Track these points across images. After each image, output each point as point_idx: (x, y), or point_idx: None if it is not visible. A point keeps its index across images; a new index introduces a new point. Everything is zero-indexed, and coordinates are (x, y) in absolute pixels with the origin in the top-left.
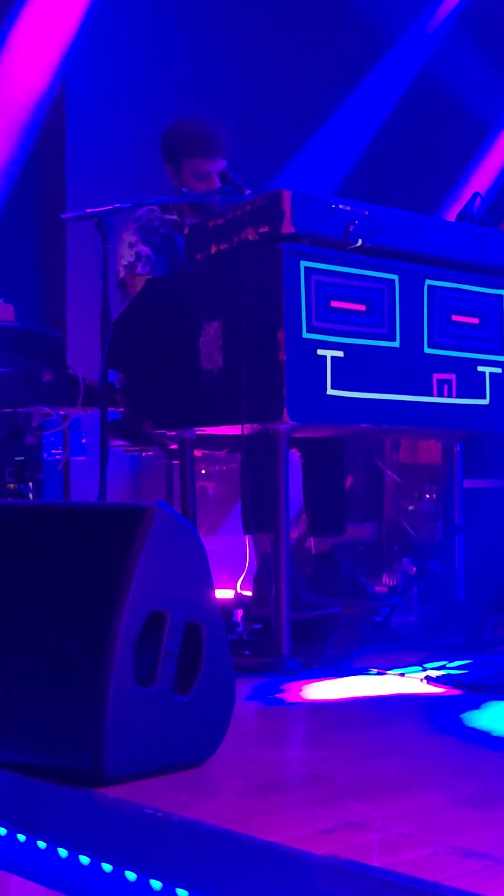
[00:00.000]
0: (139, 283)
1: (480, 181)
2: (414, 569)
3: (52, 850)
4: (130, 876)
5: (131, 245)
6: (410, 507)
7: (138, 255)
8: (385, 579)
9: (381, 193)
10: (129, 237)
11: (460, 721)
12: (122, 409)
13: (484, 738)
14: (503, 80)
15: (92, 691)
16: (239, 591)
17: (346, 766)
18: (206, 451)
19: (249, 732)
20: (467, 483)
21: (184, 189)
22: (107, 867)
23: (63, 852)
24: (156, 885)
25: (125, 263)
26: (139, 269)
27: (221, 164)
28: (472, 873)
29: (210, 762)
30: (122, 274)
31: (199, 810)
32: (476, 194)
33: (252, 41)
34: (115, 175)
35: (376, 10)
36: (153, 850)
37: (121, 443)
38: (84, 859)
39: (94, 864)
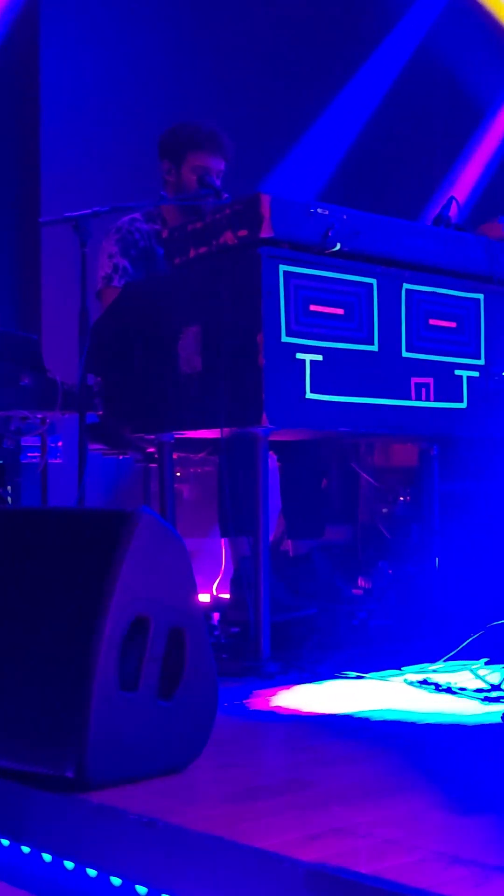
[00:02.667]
0: (114, 296)
1: (462, 186)
2: (390, 571)
3: (36, 855)
4: (115, 881)
5: (110, 256)
6: (384, 510)
7: (115, 267)
8: (361, 582)
9: (364, 197)
10: (108, 247)
11: (441, 724)
12: (100, 413)
13: (466, 742)
14: (486, 88)
15: (76, 696)
16: (215, 594)
17: (328, 770)
18: (182, 454)
19: (231, 737)
20: (443, 486)
21: (162, 192)
22: (91, 872)
23: (47, 857)
24: (141, 890)
25: (102, 275)
26: (115, 282)
27: (222, 165)
28: (460, 880)
29: (192, 767)
30: (99, 285)
31: (184, 816)
32: (452, 199)
33: (236, 42)
34: (90, 178)
35: (361, 10)
36: (138, 856)
37: (98, 446)
38: (69, 864)
39: (79, 870)
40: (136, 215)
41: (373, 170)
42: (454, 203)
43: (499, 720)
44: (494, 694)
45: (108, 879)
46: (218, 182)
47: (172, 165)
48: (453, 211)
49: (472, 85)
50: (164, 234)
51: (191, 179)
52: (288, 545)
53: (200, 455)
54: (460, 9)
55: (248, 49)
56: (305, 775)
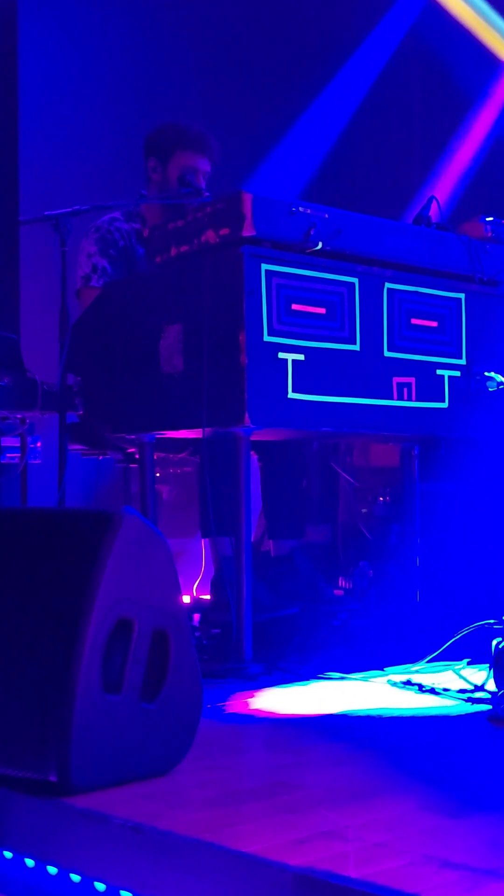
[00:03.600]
0: (93, 296)
1: (444, 185)
2: (371, 572)
3: (18, 860)
4: (99, 887)
5: (89, 256)
6: (364, 510)
7: (94, 267)
8: (341, 582)
9: (346, 197)
10: (87, 247)
11: (426, 726)
12: (80, 413)
13: (452, 743)
14: (468, 88)
15: (58, 700)
16: (196, 595)
17: (314, 773)
18: (162, 455)
19: (215, 739)
20: (424, 486)
21: (143, 191)
22: (75, 878)
23: (30, 863)
24: None
25: (81, 275)
26: (94, 282)
27: (208, 167)
28: (450, 884)
29: (177, 770)
30: (78, 284)
31: (169, 820)
32: (432, 198)
33: (217, 40)
34: (70, 176)
35: (342, 10)
36: (123, 861)
37: (78, 447)
38: (52, 870)
39: (62, 875)
40: (116, 214)
41: (355, 170)
42: (434, 202)
43: (484, 720)
44: (478, 694)
45: (93, 885)
46: (203, 184)
47: (159, 163)
48: (433, 210)
49: (453, 85)
50: (145, 234)
51: (176, 178)
52: (269, 545)
53: (181, 455)
54: (438, 12)
55: (230, 47)
56: (292, 778)
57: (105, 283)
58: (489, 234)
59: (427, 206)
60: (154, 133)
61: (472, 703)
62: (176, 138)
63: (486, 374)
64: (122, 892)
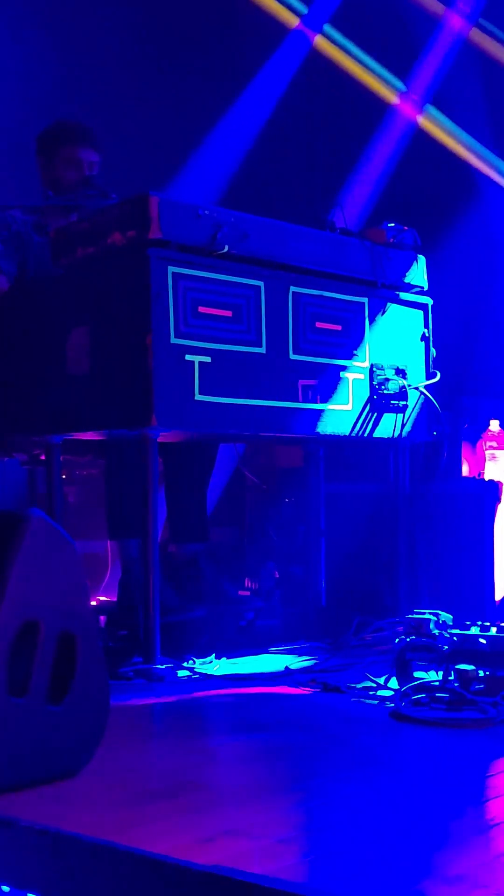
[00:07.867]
0: None
1: (357, 195)
2: (277, 573)
3: None
4: (5, 889)
5: None
6: (271, 511)
7: None
8: (248, 583)
9: (259, 206)
10: None
11: (329, 723)
12: None
13: (356, 740)
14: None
15: None
16: (100, 598)
17: (221, 771)
18: (68, 457)
19: (122, 741)
20: (329, 487)
21: (49, 193)
22: None
23: None
24: None
25: None
26: None
27: (94, 156)
28: (355, 879)
29: (84, 772)
30: None
31: (76, 822)
32: (337, 205)
33: (130, 46)
34: None
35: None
36: (29, 864)
37: None
38: None
39: None
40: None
41: (267, 181)
42: (339, 209)
43: (387, 717)
44: (381, 692)
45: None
46: (95, 172)
47: (46, 161)
48: (338, 216)
49: (363, 93)
50: (50, 232)
51: (64, 174)
52: (174, 548)
53: (86, 457)
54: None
55: (144, 53)
56: (198, 777)
57: (10, 287)
58: (391, 240)
59: (332, 212)
60: (40, 134)
61: (376, 701)
62: (56, 134)
63: (388, 376)
64: (28, 895)
